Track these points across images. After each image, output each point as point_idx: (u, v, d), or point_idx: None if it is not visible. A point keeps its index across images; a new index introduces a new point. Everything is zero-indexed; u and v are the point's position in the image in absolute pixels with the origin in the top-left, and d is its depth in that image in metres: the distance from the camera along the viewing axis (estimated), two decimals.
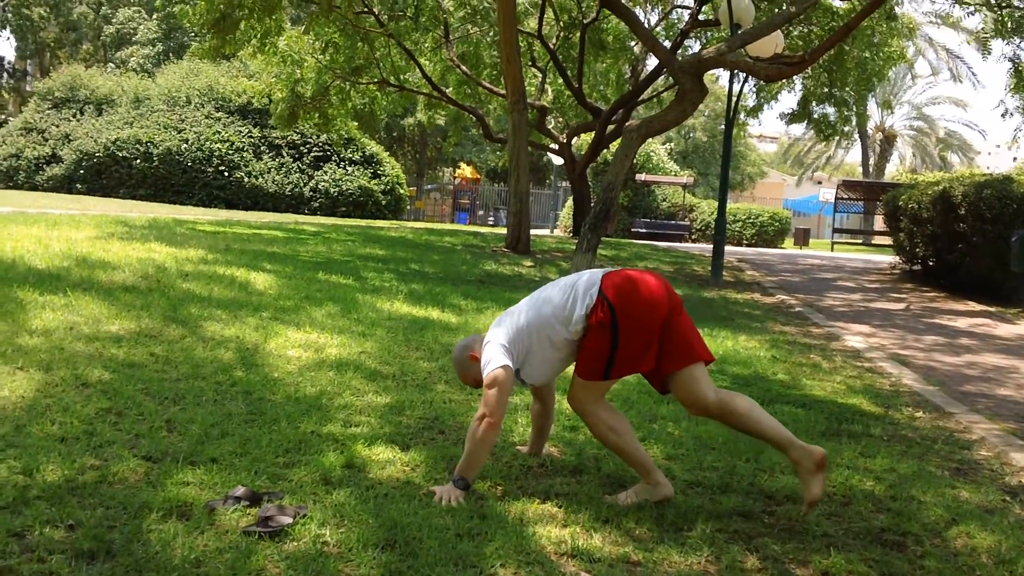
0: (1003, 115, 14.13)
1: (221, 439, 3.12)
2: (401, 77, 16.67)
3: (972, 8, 12.34)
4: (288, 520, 2.44)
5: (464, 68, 15.76)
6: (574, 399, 2.94)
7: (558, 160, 21.10)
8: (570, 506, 2.78)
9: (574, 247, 10.67)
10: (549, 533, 2.55)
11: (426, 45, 16.73)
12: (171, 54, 35.24)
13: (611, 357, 2.79)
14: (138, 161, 24.52)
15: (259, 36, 13.96)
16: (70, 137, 25.69)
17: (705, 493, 3.03)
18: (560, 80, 16.22)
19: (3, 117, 34.05)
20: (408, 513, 2.58)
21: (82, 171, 24.93)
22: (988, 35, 12.32)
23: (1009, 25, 11.82)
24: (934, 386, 5.47)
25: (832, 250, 26.52)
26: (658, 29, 16.61)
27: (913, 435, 4.12)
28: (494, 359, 2.84)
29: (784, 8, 12.34)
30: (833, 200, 29.22)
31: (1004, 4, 11.42)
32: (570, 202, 23.47)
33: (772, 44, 10.85)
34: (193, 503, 2.53)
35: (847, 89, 14.82)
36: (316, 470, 2.89)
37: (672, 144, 39.60)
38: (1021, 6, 11.52)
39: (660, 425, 3.84)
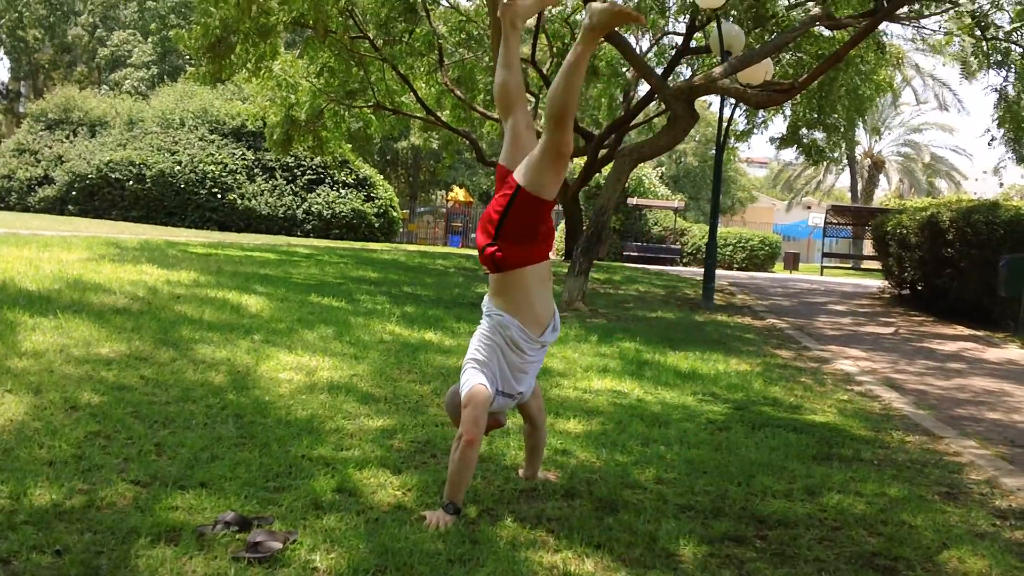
0: (989, 143, 14.33)
1: (211, 463, 3.10)
2: (395, 100, 16.75)
3: (956, 37, 12.50)
4: (278, 545, 2.42)
5: (458, 92, 15.87)
6: None
7: None
8: (562, 531, 2.77)
9: (566, 270, 10.69)
10: (541, 558, 2.54)
11: (420, 69, 16.84)
12: (165, 77, 35.40)
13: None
14: (131, 183, 24.54)
15: (254, 60, 14.02)
16: (63, 159, 25.72)
17: (697, 517, 3.03)
18: None
19: None
20: (399, 538, 2.57)
21: (75, 193, 24.92)
22: (972, 58, 12.44)
23: (995, 57, 11.97)
24: (924, 410, 5.49)
25: (822, 274, 26.67)
26: (650, 55, 16.77)
27: (904, 459, 4.13)
28: (469, 379, 2.89)
29: (774, 36, 12.49)
30: (822, 225, 29.44)
31: (989, 37, 11.56)
32: (562, 226, 23.55)
33: (762, 71, 10.98)
34: (182, 528, 2.51)
35: (835, 116, 14.98)
36: (307, 494, 2.87)
37: (663, 168, 39.88)
38: (1002, 37, 11.67)
39: (652, 448, 3.84)
